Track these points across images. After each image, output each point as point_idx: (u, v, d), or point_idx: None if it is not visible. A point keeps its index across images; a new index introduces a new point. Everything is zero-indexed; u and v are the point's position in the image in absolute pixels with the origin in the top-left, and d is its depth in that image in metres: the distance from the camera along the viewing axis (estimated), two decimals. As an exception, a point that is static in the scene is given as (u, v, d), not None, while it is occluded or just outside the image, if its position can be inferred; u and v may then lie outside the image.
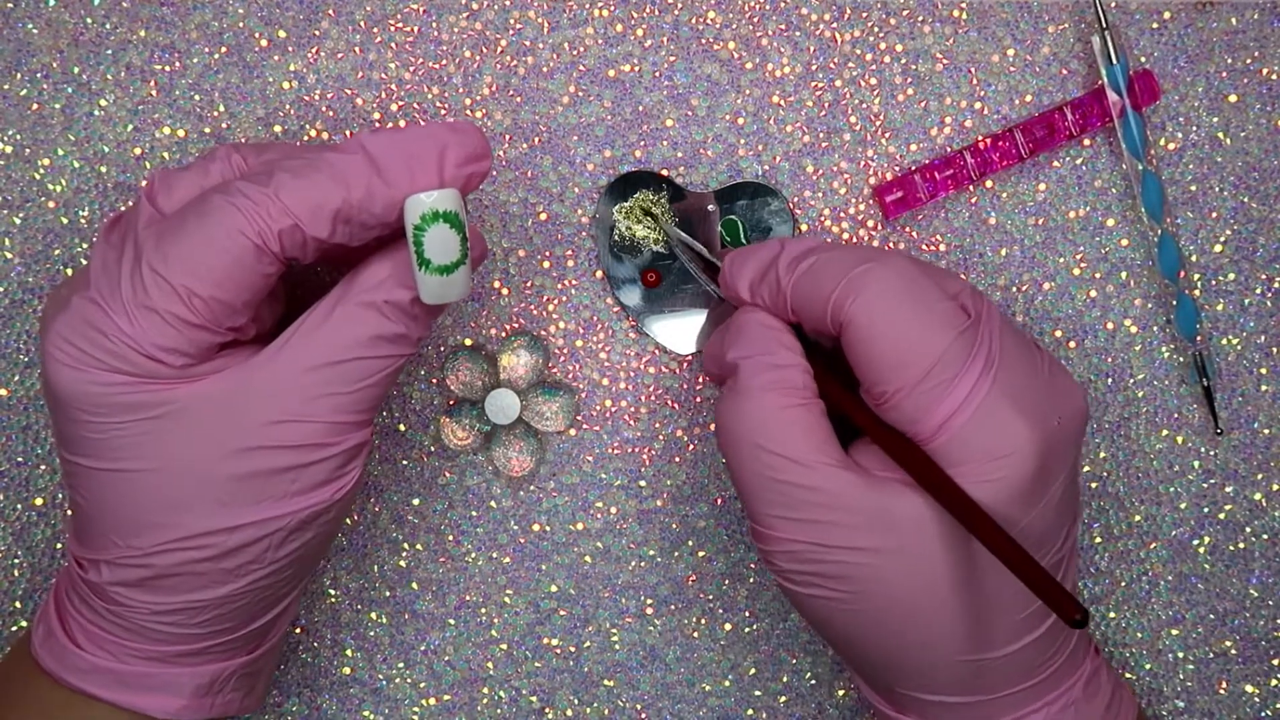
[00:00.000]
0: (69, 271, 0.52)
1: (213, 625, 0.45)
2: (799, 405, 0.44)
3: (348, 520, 0.54)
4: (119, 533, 0.43)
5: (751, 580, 0.54)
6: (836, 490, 0.43)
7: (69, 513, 0.47)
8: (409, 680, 0.55)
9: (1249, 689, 0.55)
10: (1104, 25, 0.51)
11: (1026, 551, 0.40)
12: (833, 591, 0.44)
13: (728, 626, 0.54)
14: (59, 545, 0.53)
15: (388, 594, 0.54)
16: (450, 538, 0.54)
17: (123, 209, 0.52)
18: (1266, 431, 0.54)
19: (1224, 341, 0.53)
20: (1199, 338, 0.52)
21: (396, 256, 0.43)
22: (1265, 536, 0.54)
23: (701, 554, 0.54)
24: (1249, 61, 0.53)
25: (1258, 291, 0.53)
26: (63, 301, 0.43)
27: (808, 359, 0.46)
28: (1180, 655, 0.55)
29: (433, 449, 0.53)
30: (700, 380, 0.53)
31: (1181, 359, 0.53)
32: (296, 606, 0.49)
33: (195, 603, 0.44)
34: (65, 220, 0.52)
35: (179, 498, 0.42)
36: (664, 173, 0.52)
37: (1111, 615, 0.54)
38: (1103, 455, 0.54)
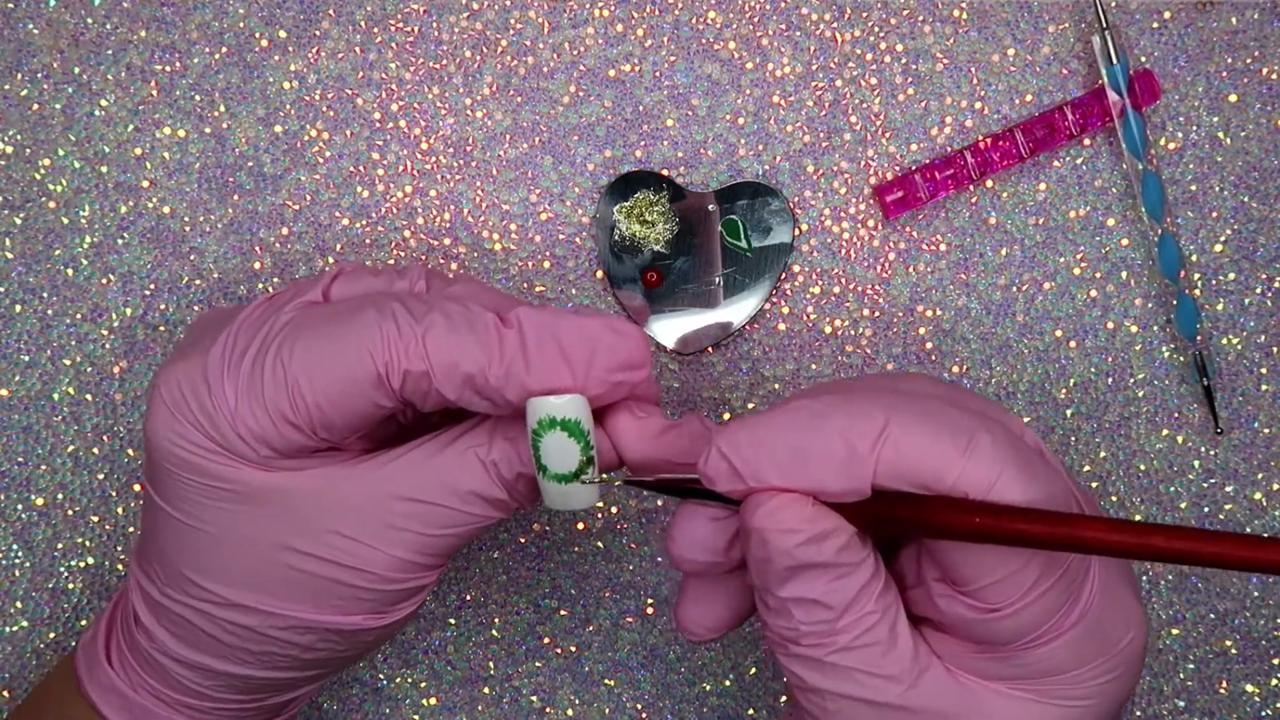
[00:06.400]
0: (69, 272, 0.52)
1: (227, 693, 0.44)
2: (882, 606, 0.37)
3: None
4: (165, 570, 0.43)
5: (752, 580, 0.54)
6: (927, 699, 0.37)
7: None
8: (409, 680, 0.55)
9: (1249, 688, 0.55)
10: (1104, 25, 0.51)
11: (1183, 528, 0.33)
12: None
13: (728, 626, 0.54)
14: (59, 545, 0.53)
15: (388, 594, 0.54)
16: (450, 537, 0.54)
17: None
18: (1266, 431, 0.54)
19: (1224, 341, 0.53)
20: (1199, 337, 0.52)
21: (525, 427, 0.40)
22: (1266, 536, 0.54)
23: (702, 554, 0.54)
24: (1249, 61, 0.53)
25: (1258, 291, 0.53)
26: (192, 345, 0.42)
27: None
28: (1180, 655, 0.55)
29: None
30: (699, 380, 0.53)
31: (1181, 359, 0.53)
32: (316, 692, 0.48)
33: (214, 669, 0.43)
34: (65, 220, 0.52)
35: (225, 567, 0.42)
36: (664, 173, 0.52)
37: (1112, 615, 0.54)
38: (1103, 455, 0.54)
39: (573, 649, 0.55)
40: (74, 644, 0.50)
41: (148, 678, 0.44)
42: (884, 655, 0.37)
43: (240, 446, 0.40)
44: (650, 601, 0.54)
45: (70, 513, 0.53)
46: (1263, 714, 0.55)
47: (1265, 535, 0.32)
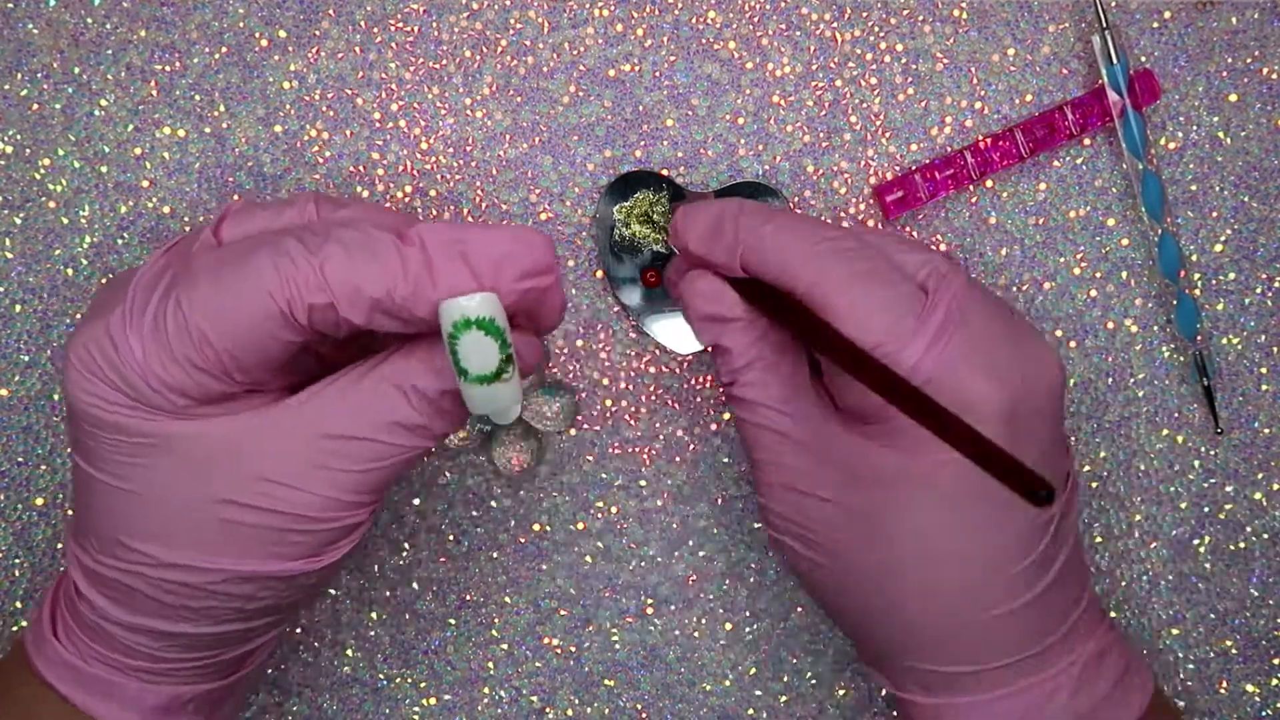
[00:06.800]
0: (69, 272, 0.52)
1: (178, 652, 0.44)
2: (771, 360, 0.46)
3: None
4: (99, 538, 0.43)
5: (751, 580, 0.54)
6: (808, 435, 0.45)
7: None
8: (409, 680, 0.55)
9: (1249, 688, 0.55)
10: (1104, 25, 0.51)
11: (967, 424, 0.37)
12: (815, 549, 0.45)
13: (728, 626, 0.54)
14: (59, 545, 0.53)
15: (388, 594, 0.54)
16: (450, 537, 0.54)
17: (190, 228, 0.51)
18: (1266, 431, 0.54)
19: (1224, 341, 0.53)
20: (1199, 337, 0.52)
21: (441, 342, 0.40)
22: (1265, 536, 0.54)
23: (701, 554, 0.54)
24: (1249, 61, 0.53)
25: (1258, 291, 0.53)
26: (99, 306, 0.42)
27: (772, 309, 0.46)
28: (1180, 655, 0.55)
29: (433, 448, 0.53)
30: (699, 380, 0.54)
31: (1181, 359, 0.53)
32: (272, 645, 0.48)
33: (159, 630, 0.43)
34: (65, 220, 0.52)
35: (155, 526, 0.41)
36: (664, 173, 0.52)
37: (1112, 615, 0.54)
38: (1103, 455, 0.54)
39: (573, 649, 0.55)
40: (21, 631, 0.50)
41: (97, 646, 0.44)
42: (779, 392, 0.45)
43: (155, 398, 0.40)
44: (650, 601, 0.54)
45: (70, 513, 0.53)
46: (1263, 714, 0.55)
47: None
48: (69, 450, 0.53)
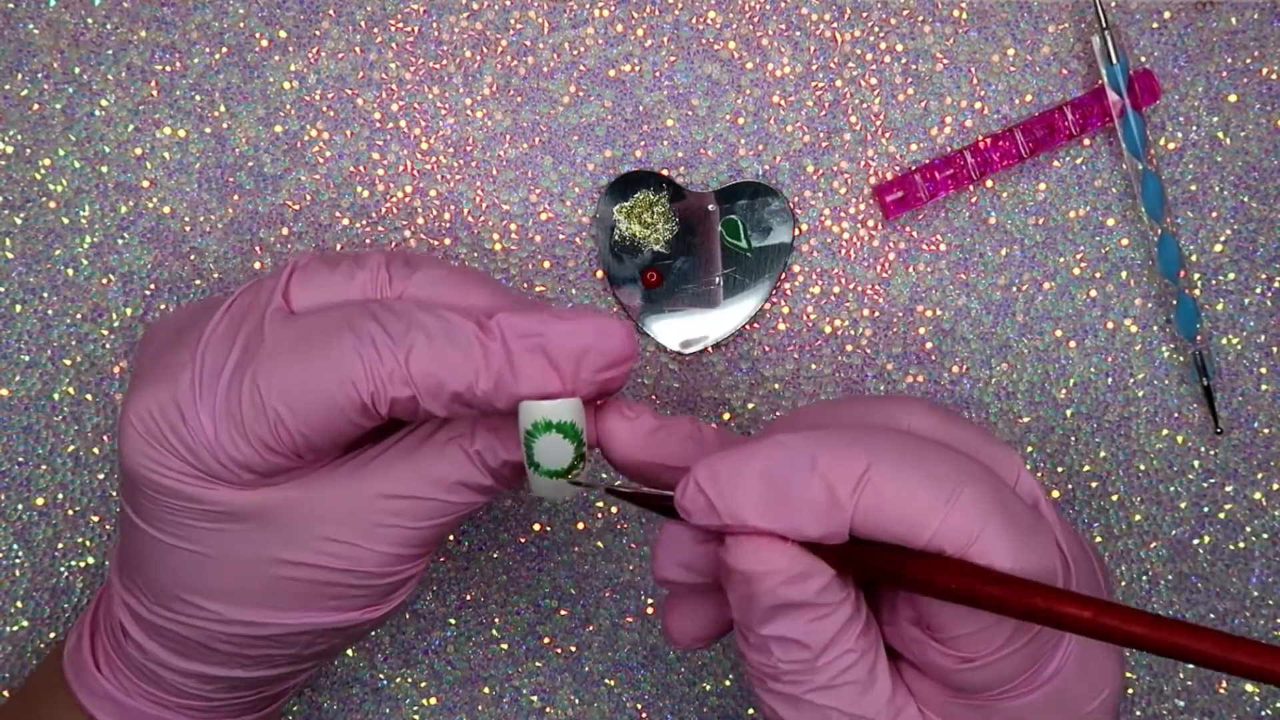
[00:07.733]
0: (69, 272, 0.52)
1: (224, 692, 0.44)
2: (861, 653, 0.37)
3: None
4: (153, 590, 0.43)
5: (752, 580, 0.54)
6: None
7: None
8: (409, 680, 0.55)
9: (1249, 688, 0.55)
10: (1104, 25, 0.51)
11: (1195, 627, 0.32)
12: None
13: (728, 626, 0.54)
14: (60, 545, 0.53)
15: (388, 594, 0.54)
16: (451, 537, 0.54)
17: (255, 280, 0.50)
18: (1266, 431, 0.54)
19: (1224, 341, 0.53)
20: (1199, 337, 0.53)
21: (510, 421, 0.40)
22: (1265, 536, 0.54)
23: (702, 554, 0.54)
24: (1249, 61, 0.53)
25: (1258, 291, 0.53)
26: (162, 368, 0.41)
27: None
28: (1180, 655, 0.55)
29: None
30: (699, 380, 0.53)
31: (1181, 359, 0.53)
32: (310, 677, 0.48)
33: (212, 674, 0.43)
34: (66, 220, 0.52)
35: (217, 585, 0.41)
36: (664, 173, 0.52)
37: (1111, 615, 0.54)
38: (1103, 455, 0.54)
39: (573, 649, 0.55)
40: (51, 652, 0.50)
41: (142, 684, 0.44)
42: (861, 695, 0.37)
43: (222, 472, 0.40)
44: (650, 601, 0.54)
45: (70, 513, 0.53)
46: (1262, 714, 0.55)
47: (1246, 637, 0.31)
48: (116, 494, 0.52)
